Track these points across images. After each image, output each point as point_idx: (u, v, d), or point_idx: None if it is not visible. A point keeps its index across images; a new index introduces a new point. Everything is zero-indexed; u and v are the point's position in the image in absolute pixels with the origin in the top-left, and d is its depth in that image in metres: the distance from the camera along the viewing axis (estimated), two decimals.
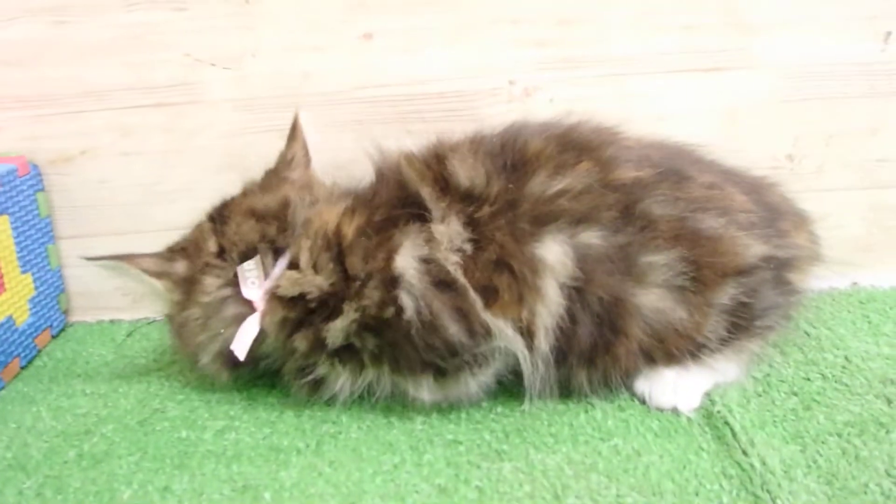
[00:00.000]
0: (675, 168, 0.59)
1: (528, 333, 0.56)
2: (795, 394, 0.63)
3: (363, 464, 0.56)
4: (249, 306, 0.61)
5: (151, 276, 0.65)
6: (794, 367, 0.66)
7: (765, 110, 0.79)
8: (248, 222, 0.63)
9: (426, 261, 0.56)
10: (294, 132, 0.70)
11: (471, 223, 0.56)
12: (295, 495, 0.53)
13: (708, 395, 0.62)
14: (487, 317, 0.56)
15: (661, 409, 0.61)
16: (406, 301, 0.56)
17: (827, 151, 0.81)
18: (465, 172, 0.58)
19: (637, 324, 0.57)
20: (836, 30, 0.77)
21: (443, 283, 0.56)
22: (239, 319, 0.61)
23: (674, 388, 0.60)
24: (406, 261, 0.56)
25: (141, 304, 0.85)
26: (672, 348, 0.58)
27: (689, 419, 0.60)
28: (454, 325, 0.55)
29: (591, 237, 0.56)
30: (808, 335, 0.72)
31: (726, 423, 0.58)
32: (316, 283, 0.58)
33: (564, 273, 0.55)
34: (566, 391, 0.61)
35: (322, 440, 0.60)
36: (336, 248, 0.58)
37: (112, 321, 0.84)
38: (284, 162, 0.69)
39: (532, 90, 0.78)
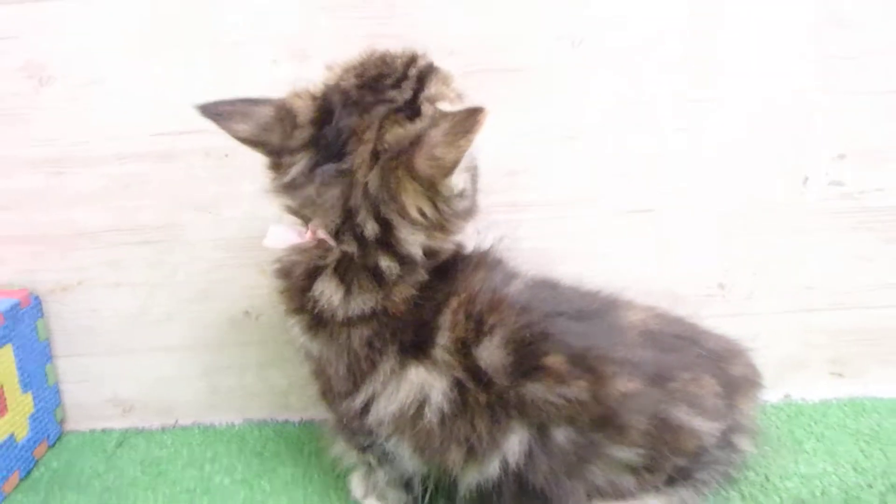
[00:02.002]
0: (664, 368, 0.61)
1: (444, 470, 0.61)
2: None
3: None
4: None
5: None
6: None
7: (696, 245, 0.86)
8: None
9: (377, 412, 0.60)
10: (465, 123, 0.52)
11: (461, 395, 0.58)
12: None
13: None
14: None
15: None
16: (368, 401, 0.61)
17: (756, 280, 0.88)
18: (489, 359, 0.59)
19: (580, 495, 0.61)
20: (759, 174, 0.84)
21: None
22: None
23: None
24: (363, 397, 0.61)
25: (130, 412, 0.93)
26: (608, 496, 0.63)
27: None
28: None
29: (558, 434, 0.59)
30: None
31: None
32: (329, 302, 0.60)
33: (512, 458, 0.59)
34: None
35: None
36: (354, 318, 0.60)
37: (103, 430, 0.93)
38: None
39: (482, 232, 0.85)
